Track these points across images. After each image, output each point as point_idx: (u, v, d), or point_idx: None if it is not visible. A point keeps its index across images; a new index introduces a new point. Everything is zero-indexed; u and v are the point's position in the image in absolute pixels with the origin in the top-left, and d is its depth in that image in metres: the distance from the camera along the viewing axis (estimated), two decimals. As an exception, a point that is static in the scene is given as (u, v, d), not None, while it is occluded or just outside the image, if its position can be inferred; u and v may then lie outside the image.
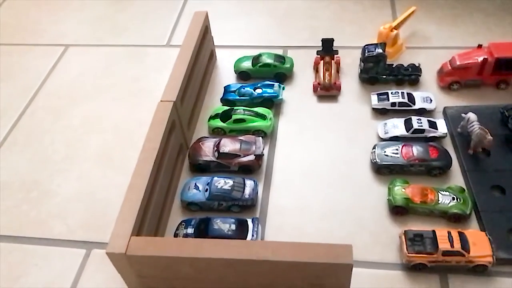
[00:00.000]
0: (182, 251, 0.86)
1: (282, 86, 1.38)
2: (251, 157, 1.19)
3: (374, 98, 1.32)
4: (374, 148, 1.19)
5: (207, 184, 1.14)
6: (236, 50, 1.56)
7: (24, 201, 1.21)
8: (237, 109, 1.30)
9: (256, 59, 1.45)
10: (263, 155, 1.22)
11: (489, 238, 0.99)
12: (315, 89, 1.39)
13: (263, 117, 1.29)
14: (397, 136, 1.22)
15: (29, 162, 1.30)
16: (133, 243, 0.88)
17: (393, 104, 1.29)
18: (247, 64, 1.45)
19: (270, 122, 1.29)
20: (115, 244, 0.88)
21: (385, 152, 1.17)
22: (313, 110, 1.35)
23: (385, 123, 1.26)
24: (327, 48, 1.44)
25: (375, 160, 1.17)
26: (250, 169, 1.20)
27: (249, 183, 1.14)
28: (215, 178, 1.14)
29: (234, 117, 1.28)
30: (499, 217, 1.04)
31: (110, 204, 1.18)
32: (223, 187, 1.12)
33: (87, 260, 1.08)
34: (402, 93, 1.31)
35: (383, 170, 1.16)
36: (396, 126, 1.24)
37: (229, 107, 1.33)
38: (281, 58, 1.45)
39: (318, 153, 1.24)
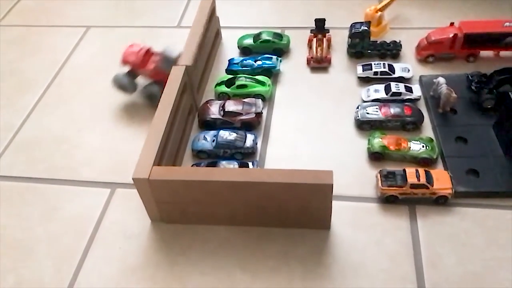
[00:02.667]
0: (195, 176, 1.06)
1: (279, 59, 1.58)
2: (252, 115, 1.38)
3: (359, 68, 1.52)
4: (357, 108, 1.39)
5: (214, 136, 1.33)
6: (239, 30, 1.75)
7: (56, 152, 1.41)
8: (240, 77, 1.49)
9: (257, 36, 1.64)
10: (262, 113, 1.41)
11: (450, 176, 1.18)
12: (308, 62, 1.58)
13: (262, 83, 1.48)
14: (378, 99, 1.41)
15: (59, 121, 1.50)
16: (155, 171, 1.08)
17: (376, 73, 1.49)
18: (249, 41, 1.64)
19: (269, 87, 1.48)
20: (140, 171, 1.08)
21: (366, 111, 1.37)
22: (306, 79, 1.55)
23: (368, 89, 1.46)
24: (320, 27, 1.64)
25: (358, 118, 1.36)
26: (250, 125, 1.39)
27: (249, 136, 1.33)
28: (221, 131, 1.34)
29: (237, 83, 1.48)
30: (460, 161, 1.23)
31: (130, 154, 1.37)
32: (227, 138, 1.31)
33: (111, 197, 1.27)
34: (384, 64, 1.50)
35: (365, 126, 1.36)
36: (377, 91, 1.43)
37: (233, 75, 1.52)
38: (279, 35, 1.64)
39: (309, 113, 1.43)
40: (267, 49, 1.63)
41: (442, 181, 1.16)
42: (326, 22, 1.64)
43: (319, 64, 1.57)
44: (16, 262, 1.14)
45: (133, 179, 1.08)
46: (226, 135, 1.32)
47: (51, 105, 1.56)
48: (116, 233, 1.19)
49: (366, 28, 1.55)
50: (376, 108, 1.36)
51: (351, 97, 1.46)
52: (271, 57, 1.57)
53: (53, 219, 1.23)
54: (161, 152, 1.16)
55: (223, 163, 1.25)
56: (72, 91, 1.61)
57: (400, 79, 1.48)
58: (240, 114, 1.38)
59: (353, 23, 1.59)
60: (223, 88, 1.49)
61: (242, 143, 1.30)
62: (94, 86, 1.61)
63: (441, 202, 1.16)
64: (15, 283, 1.10)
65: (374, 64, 1.50)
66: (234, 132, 1.33)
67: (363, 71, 1.50)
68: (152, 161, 1.09)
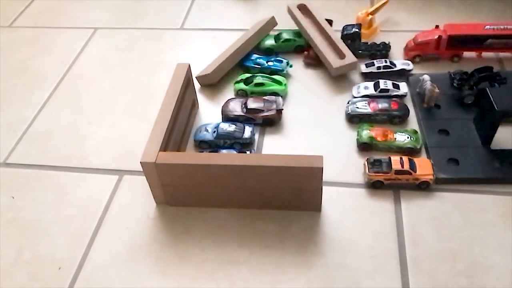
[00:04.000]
0: (198, 160, 1.16)
1: (290, 64, 1.66)
2: (273, 112, 1.47)
3: (362, 66, 1.62)
4: (348, 103, 1.49)
5: (215, 128, 1.44)
6: (238, 32, 1.86)
7: (66, 143, 1.51)
8: (257, 76, 1.59)
9: (277, 37, 1.75)
10: (283, 109, 1.49)
11: (432, 163, 1.28)
12: (305, 57, 1.69)
13: (279, 82, 1.58)
14: (367, 95, 1.52)
15: (69, 115, 1.60)
16: (161, 155, 1.18)
17: (379, 67, 1.59)
18: (270, 41, 1.74)
19: (285, 87, 1.57)
20: (148, 156, 1.18)
21: (356, 105, 1.47)
22: (302, 77, 1.65)
23: (359, 86, 1.56)
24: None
25: (348, 112, 1.47)
26: (272, 122, 1.47)
27: (248, 128, 1.43)
28: (221, 123, 1.44)
29: (255, 81, 1.57)
30: (442, 151, 1.33)
31: (136, 144, 1.47)
32: (227, 129, 1.41)
33: (119, 183, 1.37)
34: (385, 60, 1.60)
35: (354, 119, 1.46)
36: (367, 88, 1.54)
37: (251, 74, 1.61)
38: (297, 34, 1.75)
39: (304, 107, 1.53)
40: (289, 47, 1.73)
41: (424, 168, 1.26)
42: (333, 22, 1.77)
43: (313, 60, 1.67)
44: (32, 240, 1.24)
45: (141, 163, 1.18)
46: (226, 126, 1.42)
47: (62, 100, 1.67)
48: (123, 215, 1.28)
49: (357, 30, 1.66)
50: (365, 103, 1.47)
51: (343, 94, 1.57)
52: (282, 61, 1.66)
53: (65, 203, 1.33)
54: (166, 140, 1.26)
55: (223, 151, 1.35)
56: (81, 87, 1.71)
57: (402, 71, 1.58)
58: (262, 111, 1.47)
59: (345, 26, 1.70)
60: (242, 86, 1.58)
61: (241, 134, 1.41)
62: (102, 83, 1.72)
63: (423, 187, 1.26)
64: (31, 258, 1.20)
65: (376, 60, 1.61)
66: (234, 124, 1.43)
67: (366, 67, 1.61)
68: (159, 147, 1.20)
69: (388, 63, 1.59)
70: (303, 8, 1.79)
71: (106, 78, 1.74)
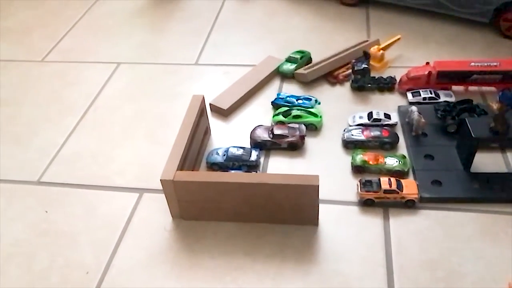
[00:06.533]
0: (210, 178, 1.33)
1: (318, 101, 1.84)
2: (297, 137, 1.63)
3: (409, 95, 1.79)
4: (344, 130, 1.67)
5: (225, 152, 1.61)
6: (247, 68, 2.06)
7: (93, 164, 1.69)
8: (293, 109, 1.76)
9: (291, 58, 1.99)
10: (306, 135, 1.66)
11: (417, 184, 1.44)
12: (336, 77, 1.92)
13: (315, 115, 1.74)
14: (362, 124, 1.70)
15: (95, 140, 1.79)
16: (178, 174, 1.36)
17: (424, 98, 1.76)
18: (291, 65, 1.97)
19: (320, 118, 1.73)
20: (166, 175, 1.35)
21: (351, 133, 1.65)
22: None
23: (354, 116, 1.74)
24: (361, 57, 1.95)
25: (344, 139, 1.64)
26: (296, 146, 1.63)
27: (254, 152, 1.61)
28: (231, 148, 1.62)
29: (293, 113, 1.74)
30: (427, 173, 1.49)
31: (156, 166, 1.64)
32: (236, 153, 1.59)
33: (140, 199, 1.55)
34: (430, 91, 1.78)
35: (349, 145, 1.63)
36: (361, 117, 1.72)
37: (288, 108, 1.79)
38: (301, 52, 2.01)
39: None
40: (308, 60, 1.99)
41: (410, 188, 1.42)
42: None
43: (345, 78, 1.91)
44: (63, 248, 1.41)
45: (160, 180, 1.35)
46: (235, 150, 1.60)
47: (89, 127, 1.86)
48: (143, 227, 1.45)
49: (366, 66, 1.84)
50: (359, 131, 1.64)
51: (339, 122, 1.74)
52: (311, 99, 1.83)
53: (91, 216, 1.50)
54: (183, 162, 1.44)
55: (232, 172, 1.52)
56: (106, 116, 1.91)
57: (445, 103, 1.70)
58: (286, 136, 1.64)
59: (354, 61, 1.88)
60: (280, 118, 1.75)
61: (248, 157, 1.58)
62: (124, 112, 1.92)
63: (409, 205, 1.42)
64: (63, 264, 1.37)
65: (422, 91, 1.78)
66: (242, 148, 1.61)
67: (413, 97, 1.78)
68: (176, 167, 1.37)
69: (433, 95, 1.76)
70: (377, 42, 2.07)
71: (128, 107, 1.94)
